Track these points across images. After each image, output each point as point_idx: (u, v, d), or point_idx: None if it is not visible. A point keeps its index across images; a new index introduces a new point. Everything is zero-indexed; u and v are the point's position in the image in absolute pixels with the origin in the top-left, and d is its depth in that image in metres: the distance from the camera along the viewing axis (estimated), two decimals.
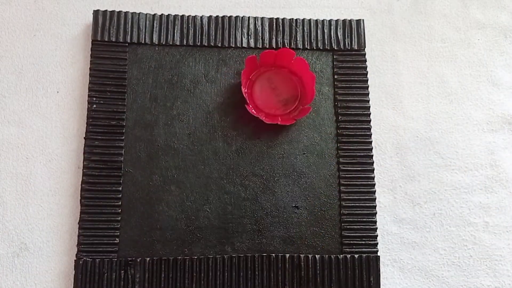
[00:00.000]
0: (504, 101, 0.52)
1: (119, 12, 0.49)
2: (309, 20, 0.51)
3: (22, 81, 0.48)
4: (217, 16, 0.50)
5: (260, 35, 0.50)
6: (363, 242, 0.47)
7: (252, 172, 0.47)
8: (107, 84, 0.47)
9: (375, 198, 0.48)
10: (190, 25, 0.50)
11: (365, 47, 0.51)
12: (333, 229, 0.47)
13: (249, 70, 0.48)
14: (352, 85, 0.50)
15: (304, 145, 0.48)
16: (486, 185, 0.50)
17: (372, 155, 0.48)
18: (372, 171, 0.48)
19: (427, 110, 0.51)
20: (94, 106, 0.47)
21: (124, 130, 0.47)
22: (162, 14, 0.49)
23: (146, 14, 0.49)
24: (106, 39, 0.48)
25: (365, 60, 0.51)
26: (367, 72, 0.50)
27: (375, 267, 0.46)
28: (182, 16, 0.50)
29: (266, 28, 0.51)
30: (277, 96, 0.49)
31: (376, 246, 0.47)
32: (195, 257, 0.45)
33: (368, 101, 0.50)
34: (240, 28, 0.50)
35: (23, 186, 0.46)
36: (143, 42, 0.49)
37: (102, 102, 0.47)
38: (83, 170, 0.45)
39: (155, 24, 0.49)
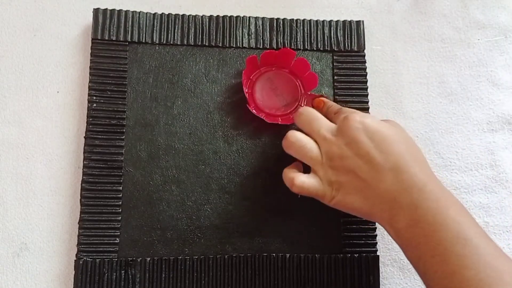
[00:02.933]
0: (504, 101, 0.52)
1: (119, 11, 0.49)
2: (309, 20, 0.51)
3: (22, 81, 0.48)
4: (218, 16, 0.50)
5: (261, 35, 0.50)
6: (363, 242, 0.47)
7: (253, 171, 0.47)
8: (107, 83, 0.47)
9: None
10: (190, 24, 0.50)
11: (365, 48, 0.51)
12: (333, 229, 0.47)
13: (250, 70, 0.48)
14: (352, 86, 0.50)
15: None
16: (486, 185, 0.50)
17: None
18: None
19: (427, 110, 0.52)
20: (94, 105, 0.46)
21: (124, 130, 0.46)
22: (162, 13, 0.49)
23: (146, 13, 0.49)
24: (106, 38, 0.48)
25: (365, 61, 0.51)
26: (367, 73, 0.50)
27: (375, 267, 0.46)
28: (183, 15, 0.50)
29: (267, 28, 0.51)
30: (278, 97, 0.49)
31: (376, 246, 0.47)
32: (196, 257, 0.45)
33: (368, 101, 0.50)
34: (240, 28, 0.50)
35: (23, 186, 0.46)
36: (143, 41, 0.48)
37: (102, 101, 0.47)
38: (83, 169, 0.45)
39: (155, 23, 0.49)
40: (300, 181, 0.41)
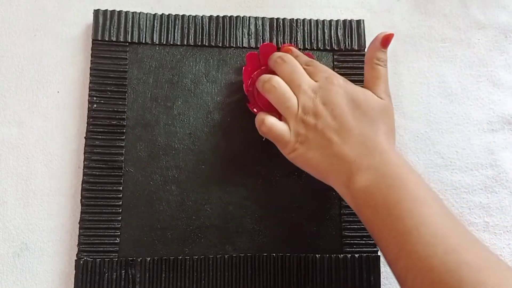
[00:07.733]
0: (504, 101, 0.52)
1: (120, 11, 0.49)
2: (310, 20, 0.51)
3: (22, 81, 0.48)
4: (218, 16, 0.50)
5: (261, 35, 0.50)
6: (363, 242, 0.47)
7: (253, 171, 0.47)
8: (107, 84, 0.47)
9: None
10: (190, 25, 0.50)
11: (365, 47, 0.51)
12: (333, 229, 0.47)
13: (251, 67, 0.48)
14: None
15: None
16: (486, 185, 0.50)
17: None
18: None
19: (427, 110, 0.52)
20: (95, 106, 0.46)
21: (124, 130, 0.47)
22: (162, 13, 0.49)
23: (146, 14, 0.49)
24: (107, 39, 0.48)
25: None
26: None
27: (375, 267, 0.46)
28: (183, 15, 0.50)
29: (267, 28, 0.51)
30: None
31: (376, 245, 0.47)
32: (196, 257, 0.45)
33: None
34: (240, 28, 0.50)
35: (23, 186, 0.46)
36: (143, 41, 0.49)
37: (102, 102, 0.47)
38: (83, 169, 0.45)
39: (155, 24, 0.49)
40: (271, 122, 0.42)
